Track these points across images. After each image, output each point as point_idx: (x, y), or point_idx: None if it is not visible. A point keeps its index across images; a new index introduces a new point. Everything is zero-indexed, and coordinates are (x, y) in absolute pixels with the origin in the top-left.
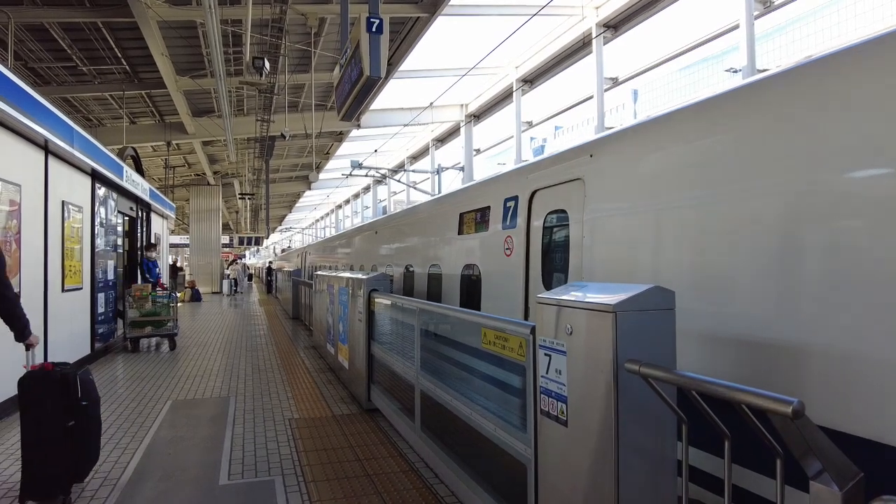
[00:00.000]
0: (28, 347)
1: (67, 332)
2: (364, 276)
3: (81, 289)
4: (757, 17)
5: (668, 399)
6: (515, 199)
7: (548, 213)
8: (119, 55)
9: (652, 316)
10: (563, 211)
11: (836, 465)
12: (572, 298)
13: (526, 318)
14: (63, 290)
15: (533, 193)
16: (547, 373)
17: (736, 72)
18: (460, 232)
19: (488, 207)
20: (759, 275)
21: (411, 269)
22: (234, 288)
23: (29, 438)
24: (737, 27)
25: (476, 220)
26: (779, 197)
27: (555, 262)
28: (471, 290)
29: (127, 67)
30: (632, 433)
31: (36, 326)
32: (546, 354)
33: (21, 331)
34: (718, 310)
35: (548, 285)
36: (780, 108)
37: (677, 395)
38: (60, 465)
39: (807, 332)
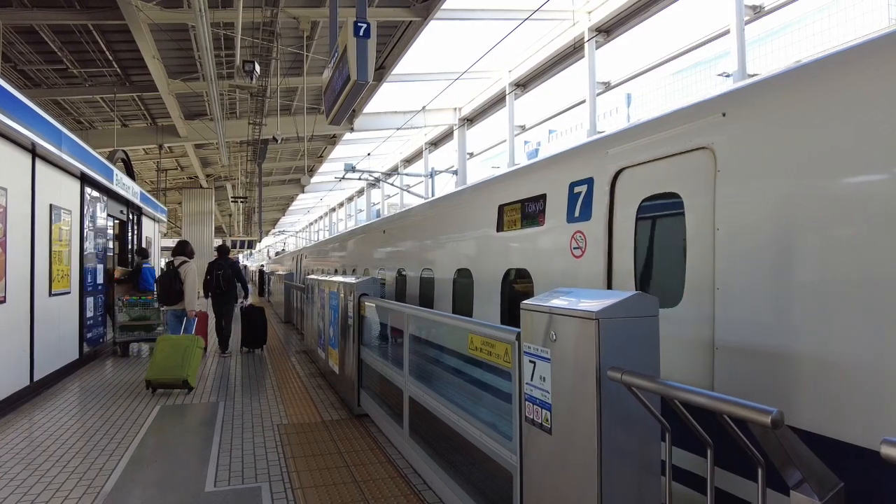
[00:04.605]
0: (247, 298)
1: (55, 336)
2: (354, 281)
3: (70, 293)
4: (747, 23)
5: (651, 407)
6: (588, 182)
7: (644, 199)
8: (110, 58)
9: (635, 323)
10: (674, 195)
11: (817, 475)
12: (556, 305)
13: None
14: (51, 295)
15: (617, 173)
16: (531, 380)
17: (728, 76)
18: (500, 228)
19: (543, 196)
20: None
21: (430, 274)
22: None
23: (245, 329)
24: (727, 32)
25: (525, 212)
26: None
27: (660, 264)
28: (518, 302)
29: (118, 70)
30: (615, 440)
31: (22, 331)
32: (531, 361)
33: (246, 296)
34: None
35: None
36: None
37: (661, 402)
38: (253, 338)
39: None
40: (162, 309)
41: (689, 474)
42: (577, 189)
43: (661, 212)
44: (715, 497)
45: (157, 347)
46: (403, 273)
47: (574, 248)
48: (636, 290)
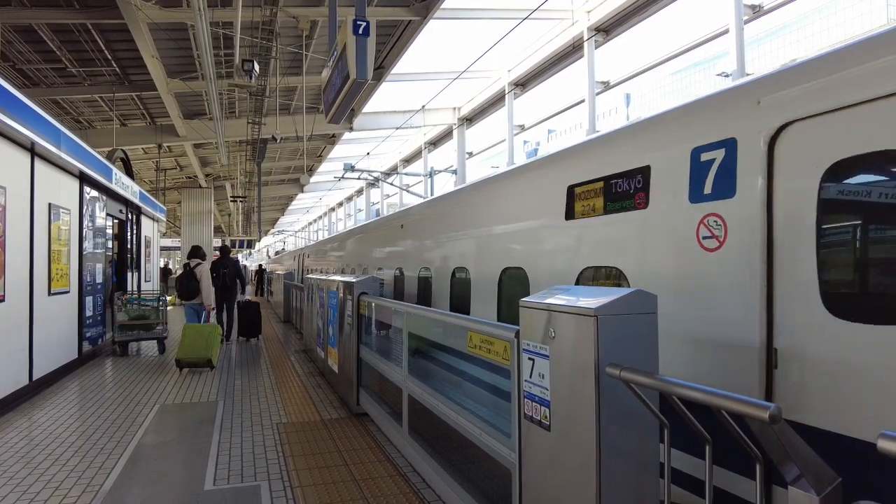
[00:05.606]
0: (243, 293)
1: (54, 335)
2: (353, 280)
3: (69, 292)
4: (746, 22)
5: (650, 403)
6: (727, 145)
7: (834, 166)
8: (109, 57)
9: (634, 320)
10: None
11: (815, 470)
12: (554, 302)
13: (771, 366)
14: (50, 294)
15: (780, 130)
16: (530, 377)
17: (727, 76)
18: (571, 215)
19: (644, 169)
20: None
21: (465, 275)
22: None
23: (240, 320)
24: (726, 32)
25: (611, 193)
26: None
27: (868, 260)
28: None
29: (117, 69)
30: (614, 437)
31: (21, 330)
32: (529, 359)
33: (243, 291)
34: None
35: (848, 306)
36: None
37: (659, 399)
38: (250, 329)
39: None
40: (182, 303)
41: (688, 477)
42: (705, 156)
43: (871, 181)
44: (714, 493)
45: (184, 333)
46: (428, 273)
47: (704, 238)
48: (821, 296)
